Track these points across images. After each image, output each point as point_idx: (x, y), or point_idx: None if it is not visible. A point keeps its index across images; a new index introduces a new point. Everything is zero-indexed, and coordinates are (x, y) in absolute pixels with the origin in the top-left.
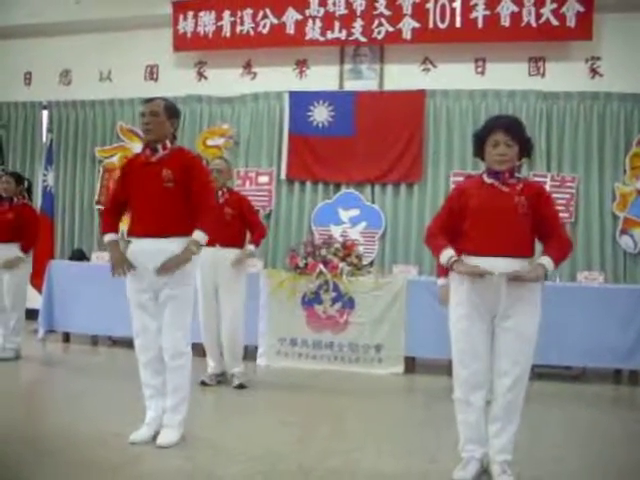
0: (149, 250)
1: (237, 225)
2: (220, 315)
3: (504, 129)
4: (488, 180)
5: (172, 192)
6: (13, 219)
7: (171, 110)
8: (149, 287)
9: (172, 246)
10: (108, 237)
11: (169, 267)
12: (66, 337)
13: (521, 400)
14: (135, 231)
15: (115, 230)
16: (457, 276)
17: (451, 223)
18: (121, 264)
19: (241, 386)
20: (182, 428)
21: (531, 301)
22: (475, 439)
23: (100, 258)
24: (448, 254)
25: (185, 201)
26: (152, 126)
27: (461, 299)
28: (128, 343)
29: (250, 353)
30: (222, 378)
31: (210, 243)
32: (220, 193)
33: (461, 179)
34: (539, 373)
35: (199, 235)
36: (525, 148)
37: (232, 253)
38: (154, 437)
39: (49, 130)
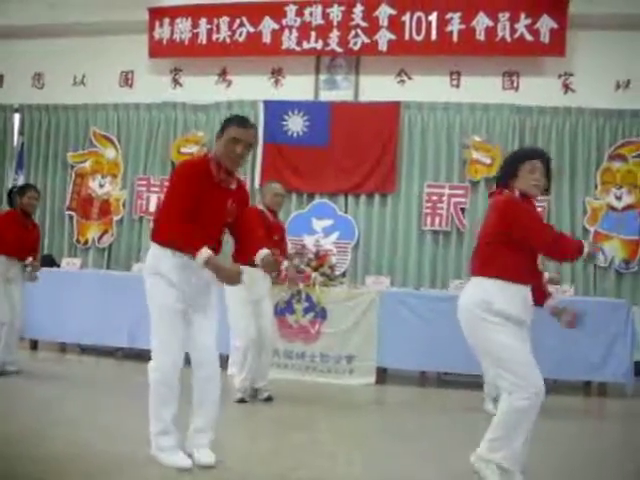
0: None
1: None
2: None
3: (544, 159)
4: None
5: (228, 224)
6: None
7: None
8: (189, 302)
9: None
10: (205, 253)
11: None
12: (34, 344)
13: None
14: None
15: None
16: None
17: None
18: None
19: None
20: None
21: None
22: None
23: (70, 264)
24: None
25: None
26: (244, 160)
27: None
28: (97, 351)
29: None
30: None
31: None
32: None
33: (435, 191)
34: None
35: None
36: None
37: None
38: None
39: (20, 133)
